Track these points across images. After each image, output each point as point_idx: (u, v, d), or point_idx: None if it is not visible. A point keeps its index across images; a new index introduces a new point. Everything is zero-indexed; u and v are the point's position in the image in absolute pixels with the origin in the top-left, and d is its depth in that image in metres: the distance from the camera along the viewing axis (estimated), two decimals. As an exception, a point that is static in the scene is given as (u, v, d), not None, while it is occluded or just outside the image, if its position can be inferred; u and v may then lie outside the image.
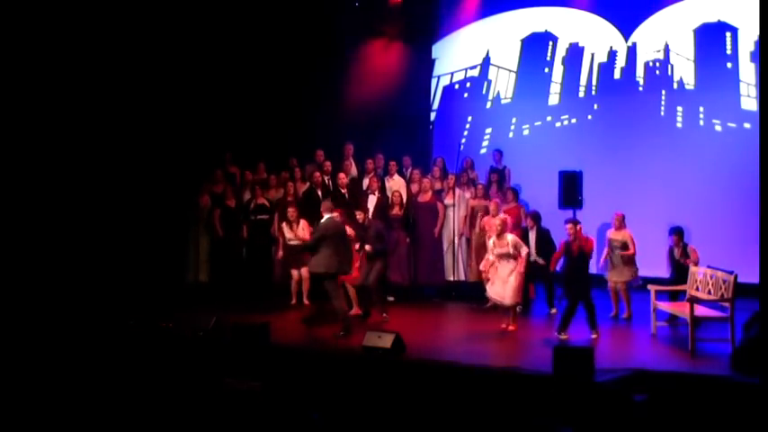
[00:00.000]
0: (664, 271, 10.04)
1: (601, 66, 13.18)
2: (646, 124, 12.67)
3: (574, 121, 13.33)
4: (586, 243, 9.12)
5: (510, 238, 9.41)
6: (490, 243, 9.53)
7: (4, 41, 10.79)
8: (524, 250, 9.44)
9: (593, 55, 13.26)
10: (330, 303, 9.44)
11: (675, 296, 9.67)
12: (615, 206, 11.01)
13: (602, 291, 10.48)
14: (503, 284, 9.37)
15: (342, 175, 11.97)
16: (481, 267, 9.90)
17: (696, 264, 9.56)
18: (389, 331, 8.20)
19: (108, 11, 11.54)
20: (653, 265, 10.43)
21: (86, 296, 10.73)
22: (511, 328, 9.46)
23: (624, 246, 10.08)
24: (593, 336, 9.02)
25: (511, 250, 9.31)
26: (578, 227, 9.12)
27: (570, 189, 11.49)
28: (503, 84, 13.95)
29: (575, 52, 13.40)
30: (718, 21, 12.26)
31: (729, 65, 12.16)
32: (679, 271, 9.70)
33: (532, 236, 10.63)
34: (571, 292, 9.11)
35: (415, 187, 12.00)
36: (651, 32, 12.80)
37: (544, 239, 10.58)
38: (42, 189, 11.17)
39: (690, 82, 12.48)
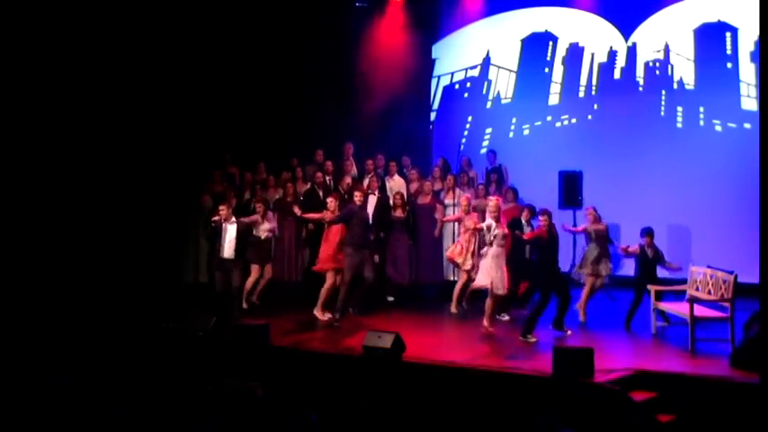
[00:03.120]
0: (662, 272, 10.01)
1: (601, 66, 13.18)
2: (646, 124, 12.66)
3: (574, 121, 13.33)
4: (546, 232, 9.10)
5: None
6: (491, 222, 9.27)
7: (5, 41, 10.79)
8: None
9: (593, 55, 13.25)
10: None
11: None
12: (615, 206, 11.01)
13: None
14: (485, 269, 9.25)
15: (347, 178, 11.97)
16: (447, 254, 10.72)
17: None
18: (389, 331, 8.20)
19: (107, 11, 11.54)
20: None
21: (86, 297, 10.72)
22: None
23: (603, 233, 10.12)
24: (567, 331, 9.09)
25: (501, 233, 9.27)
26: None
27: (570, 189, 11.51)
28: (503, 84, 13.95)
29: (575, 52, 13.39)
30: (719, 21, 12.26)
31: (729, 65, 12.15)
32: (645, 270, 9.65)
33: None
34: (542, 285, 9.09)
35: (413, 186, 12.00)
36: (651, 32, 12.79)
37: None
38: (42, 191, 11.16)
39: (690, 82, 12.48)
